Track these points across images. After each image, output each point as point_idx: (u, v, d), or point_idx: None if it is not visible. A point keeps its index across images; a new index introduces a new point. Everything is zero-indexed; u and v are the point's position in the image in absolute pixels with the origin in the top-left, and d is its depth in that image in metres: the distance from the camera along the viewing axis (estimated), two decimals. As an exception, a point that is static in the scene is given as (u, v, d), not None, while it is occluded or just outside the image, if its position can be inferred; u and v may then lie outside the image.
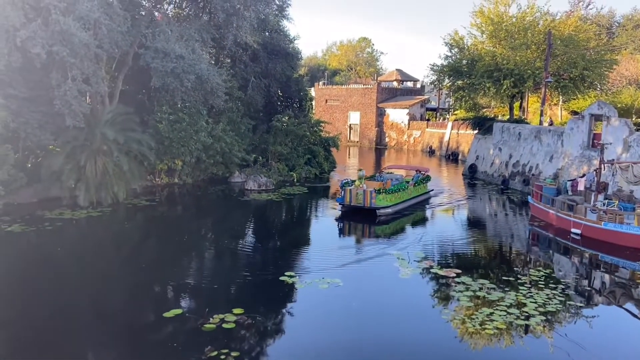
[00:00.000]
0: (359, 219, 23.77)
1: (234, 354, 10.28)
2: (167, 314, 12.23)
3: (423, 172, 29.64)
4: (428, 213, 26.59)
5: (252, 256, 18.69)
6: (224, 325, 11.63)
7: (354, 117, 72.40)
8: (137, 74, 29.99)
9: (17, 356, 10.48)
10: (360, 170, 26.21)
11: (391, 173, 29.80)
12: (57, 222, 21.28)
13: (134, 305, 13.29)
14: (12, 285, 14.71)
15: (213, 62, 34.59)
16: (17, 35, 21.13)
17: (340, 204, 24.96)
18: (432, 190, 30.27)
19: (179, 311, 12.45)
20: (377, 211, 23.99)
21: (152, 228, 22.73)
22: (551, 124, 40.56)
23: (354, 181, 25.33)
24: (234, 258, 18.45)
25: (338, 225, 23.49)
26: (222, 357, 10.13)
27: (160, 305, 12.94)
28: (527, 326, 12.31)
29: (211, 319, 11.91)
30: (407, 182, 27.38)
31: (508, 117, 43.96)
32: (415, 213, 25.90)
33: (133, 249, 19.67)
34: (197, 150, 30.60)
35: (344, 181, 25.87)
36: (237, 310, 12.39)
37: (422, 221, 25.02)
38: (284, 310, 13.37)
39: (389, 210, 24.67)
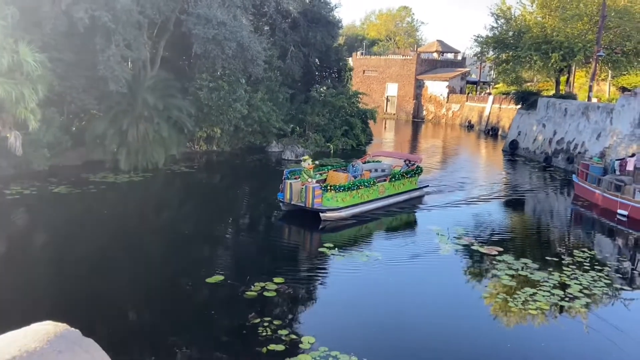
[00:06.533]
0: (301, 223, 18.45)
1: (276, 322, 10.40)
2: (209, 280, 12.43)
3: (412, 163, 22.77)
4: (421, 216, 20.34)
5: (291, 226, 18.78)
6: (265, 294, 11.76)
7: (392, 89, 71.20)
8: (178, 41, 30.01)
9: (62, 312, 10.86)
10: (305, 159, 19.72)
11: (377, 162, 23.69)
12: (101, 185, 21.82)
13: (177, 269, 13.54)
14: (59, 243, 15.24)
15: (252, 30, 34.32)
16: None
17: (280, 200, 19.25)
18: (427, 186, 23.38)
19: (220, 277, 12.63)
20: (320, 214, 18.10)
21: (191, 194, 23.10)
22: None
23: (305, 171, 18.92)
24: (272, 227, 18.62)
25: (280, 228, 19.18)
26: (265, 324, 10.26)
27: (202, 271, 13.14)
28: (570, 308, 12.04)
29: (252, 286, 12.05)
30: (396, 174, 21.41)
31: (554, 92, 42.40)
32: (388, 217, 19.74)
33: (175, 215, 20.07)
34: (236, 118, 30.70)
35: (289, 171, 19.79)
36: (277, 279, 12.50)
37: (398, 229, 19.44)
38: (324, 281, 13.45)
39: (341, 213, 18.50)
